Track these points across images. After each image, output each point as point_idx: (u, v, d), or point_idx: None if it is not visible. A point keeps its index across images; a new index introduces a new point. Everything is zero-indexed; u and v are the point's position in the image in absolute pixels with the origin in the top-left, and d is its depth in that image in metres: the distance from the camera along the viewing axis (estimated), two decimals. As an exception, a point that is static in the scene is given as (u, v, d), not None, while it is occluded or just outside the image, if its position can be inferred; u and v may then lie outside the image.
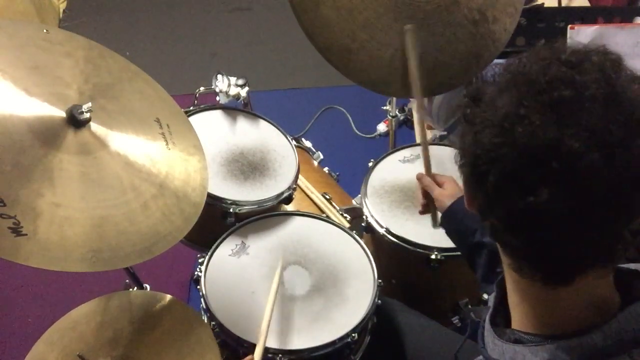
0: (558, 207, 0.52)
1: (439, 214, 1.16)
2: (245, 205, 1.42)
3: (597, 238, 0.55)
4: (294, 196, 1.52)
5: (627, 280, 0.63)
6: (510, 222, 0.57)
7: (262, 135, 1.60)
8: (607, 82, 0.54)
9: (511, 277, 0.65)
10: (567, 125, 0.52)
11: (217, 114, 1.62)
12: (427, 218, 1.23)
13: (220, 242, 1.34)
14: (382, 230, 1.40)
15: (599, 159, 0.51)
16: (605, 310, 0.59)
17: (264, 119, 1.65)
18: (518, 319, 0.65)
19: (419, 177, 1.19)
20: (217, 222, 1.40)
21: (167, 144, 1.16)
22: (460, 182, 0.65)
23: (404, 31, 1.10)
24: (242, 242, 1.35)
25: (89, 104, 1.01)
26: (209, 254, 1.31)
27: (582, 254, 0.56)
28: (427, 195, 1.17)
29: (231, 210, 1.40)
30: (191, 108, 1.59)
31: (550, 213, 0.53)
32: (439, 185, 1.16)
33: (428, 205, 1.19)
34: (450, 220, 1.12)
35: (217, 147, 1.53)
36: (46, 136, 0.97)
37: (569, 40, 1.44)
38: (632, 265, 0.66)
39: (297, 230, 1.40)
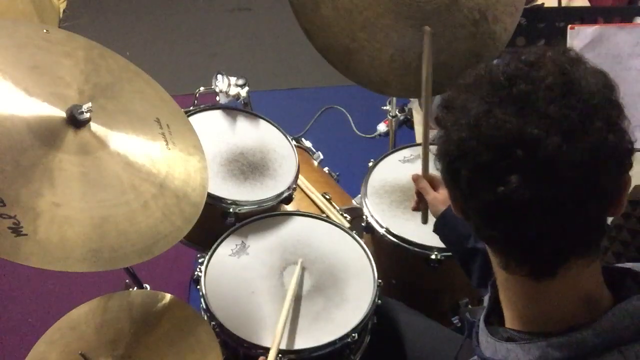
0: (527, 194, 0.54)
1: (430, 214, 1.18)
2: (245, 205, 1.42)
3: (572, 224, 0.56)
4: (294, 196, 1.52)
5: (618, 279, 0.64)
6: (487, 215, 0.59)
7: (262, 135, 1.60)
8: (563, 73, 0.56)
9: (501, 275, 0.66)
10: (526, 115, 0.55)
11: (217, 114, 1.62)
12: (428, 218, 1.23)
13: (220, 242, 1.34)
14: (382, 230, 1.40)
15: (559, 142, 0.53)
16: (596, 307, 0.60)
17: (264, 119, 1.65)
18: (510, 318, 0.66)
19: (415, 179, 1.19)
20: (217, 222, 1.40)
21: (167, 144, 1.16)
22: None
23: (424, 32, 1.11)
24: (242, 242, 1.35)
25: (89, 104, 1.01)
26: (209, 254, 1.31)
27: (560, 243, 0.57)
28: (420, 195, 1.18)
29: (231, 210, 1.40)
30: (191, 108, 1.59)
31: (521, 201, 0.54)
32: (435, 188, 1.16)
33: (420, 203, 1.21)
34: (444, 226, 1.13)
35: (217, 147, 1.53)
36: (46, 136, 0.97)
37: (569, 41, 1.44)
38: (628, 265, 0.66)
39: (297, 230, 1.40)
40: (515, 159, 0.54)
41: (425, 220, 1.23)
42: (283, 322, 1.11)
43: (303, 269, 1.28)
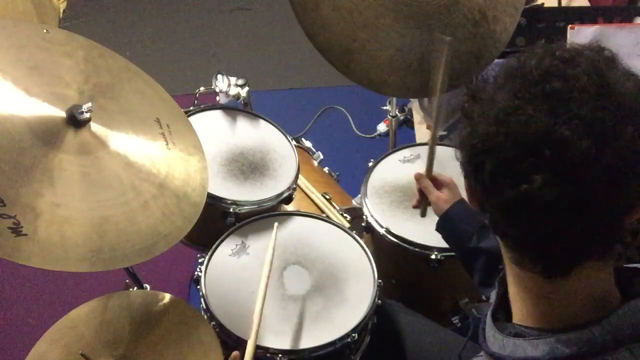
0: (551, 195, 0.53)
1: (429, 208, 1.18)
2: (245, 205, 1.42)
3: (592, 227, 0.56)
4: (294, 196, 1.52)
5: (627, 278, 0.64)
6: (507, 211, 0.58)
7: (262, 135, 1.60)
8: (598, 74, 0.55)
9: (512, 270, 0.65)
10: (558, 115, 0.53)
11: (217, 114, 1.62)
12: (427, 218, 1.24)
13: (220, 242, 1.34)
14: (382, 230, 1.40)
15: (590, 146, 0.52)
16: (605, 306, 0.60)
17: (264, 119, 1.65)
18: (519, 313, 0.66)
19: (417, 178, 1.19)
20: (217, 222, 1.40)
21: (167, 144, 1.16)
22: (460, 183, 0.66)
23: (445, 42, 1.10)
24: (242, 242, 1.35)
25: (89, 104, 1.01)
26: (209, 254, 1.31)
27: (578, 244, 0.57)
28: (423, 195, 1.18)
29: (231, 210, 1.40)
30: (191, 108, 1.59)
31: (543, 201, 0.54)
32: (437, 188, 1.16)
33: (421, 202, 1.21)
34: (446, 225, 1.13)
35: (217, 147, 1.53)
36: (46, 136, 0.97)
37: (569, 40, 1.44)
38: (637, 265, 0.66)
39: (297, 230, 1.40)
40: (542, 159, 0.53)
41: (424, 214, 1.23)
42: (260, 306, 1.06)
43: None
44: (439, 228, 1.15)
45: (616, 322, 0.58)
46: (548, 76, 0.55)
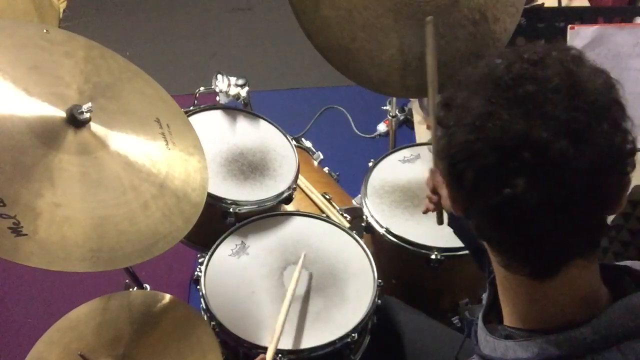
0: (534, 197, 0.53)
1: (445, 214, 1.16)
2: (245, 205, 1.42)
3: (577, 226, 0.56)
4: (294, 196, 1.52)
5: (616, 276, 0.64)
6: (492, 217, 0.58)
7: (262, 135, 1.60)
8: (569, 74, 0.55)
9: (500, 273, 0.66)
10: (534, 117, 0.54)
11: (217, 114, 1.62)
12: (427, 218, 1.22)
13: (220, 242, 1.34)
14: (382, 230, 1.40)
15: (568, 145, 0.52)
16: (594, 305, 0.60)
17: (264, 119, 1.65)
18: (509, 315, 0.66)
19: (433, 172, 1.17)
20: (217, 222, 1.40)
21: (167, 144, 1.16)
22: None
23: (425, 22, 1.10)
24: (242, 242, 1.35)
25: (89, 104, 1.01)
26: (209, 254, 1.31)
27: (564, 243, 0.57)
28: (436, 192, 1.16)
29: (231, 210, 1.40)
30: (191, 108, 1.59)
31: (527, 203, 0.54)
32: None
33: (436, 203, 1.17)
34: (457, 220, 1.12)
35: (217, 147, 1.53)
36: (46, 136, 0.97)
37: (569, 41, 1.44)
38: (627, 262, 0.67)
39: (297, 230, 1.40)
40: (522, 162, 0.53)
41: (441, 221, 1.18)
42: (283, 318, 1.10)
43: (304, 269, 1.27)
44: (451, 223, 1.14)
45: (605, 321, 0.58)
46: (520, 80, 0.56)
